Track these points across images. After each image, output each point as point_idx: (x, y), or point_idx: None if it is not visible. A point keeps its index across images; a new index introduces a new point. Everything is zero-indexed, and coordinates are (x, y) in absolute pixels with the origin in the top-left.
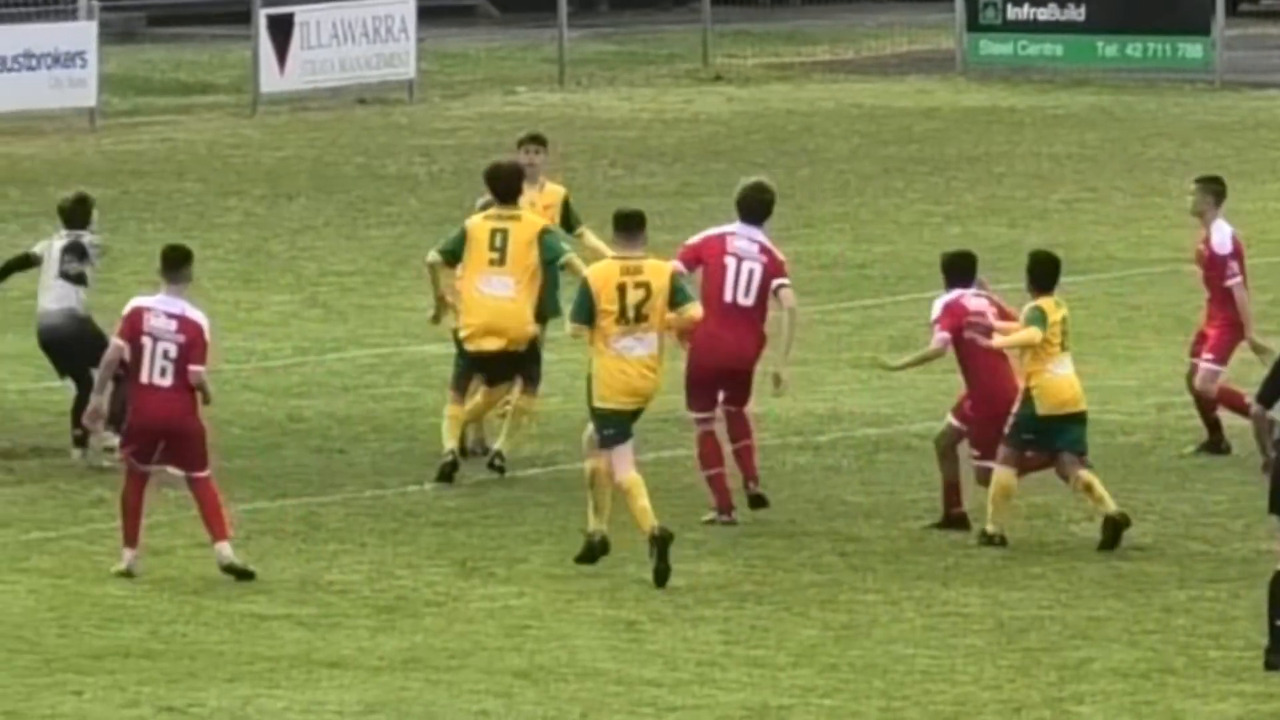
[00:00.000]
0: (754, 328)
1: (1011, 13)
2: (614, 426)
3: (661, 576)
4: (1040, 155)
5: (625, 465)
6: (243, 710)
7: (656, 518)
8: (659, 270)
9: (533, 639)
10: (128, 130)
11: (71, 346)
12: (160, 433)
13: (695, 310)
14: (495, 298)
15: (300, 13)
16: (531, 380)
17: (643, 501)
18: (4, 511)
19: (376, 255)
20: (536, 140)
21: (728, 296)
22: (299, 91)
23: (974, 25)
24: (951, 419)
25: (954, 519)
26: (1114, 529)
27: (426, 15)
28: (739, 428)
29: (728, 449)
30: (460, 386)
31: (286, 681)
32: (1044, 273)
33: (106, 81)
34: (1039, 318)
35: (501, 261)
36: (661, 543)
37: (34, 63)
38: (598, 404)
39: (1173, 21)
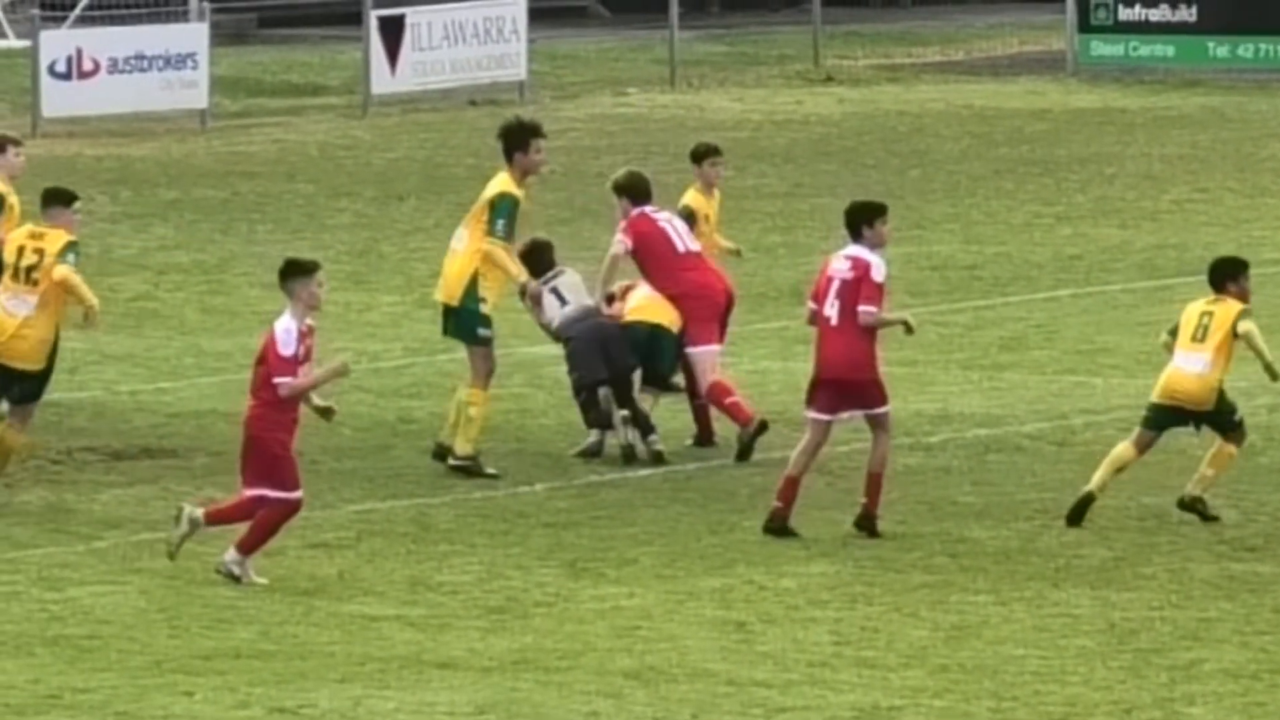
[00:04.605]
0: None
1: (1123, 14)
2: None
3: None
4: (1151, 156)
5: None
6: (354, 711)
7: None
8: (56, 238)
9: (643, 640)
10: (238, 132)
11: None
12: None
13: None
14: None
15: (411, 14)
16: (475, 370)
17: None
18: (115, 512)
19: None
20: (717, 151)
21: None
22: (410, 93)
23: (1085, 26)
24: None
25: (775, 516)
26: None
27: (537, 16)
28: None
29: None
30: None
31: (397, 682)
32: (1211, 273)
33: (217, 83)
34: (1178, 319)
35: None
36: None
37: (145, 64)
38: None
39: None
